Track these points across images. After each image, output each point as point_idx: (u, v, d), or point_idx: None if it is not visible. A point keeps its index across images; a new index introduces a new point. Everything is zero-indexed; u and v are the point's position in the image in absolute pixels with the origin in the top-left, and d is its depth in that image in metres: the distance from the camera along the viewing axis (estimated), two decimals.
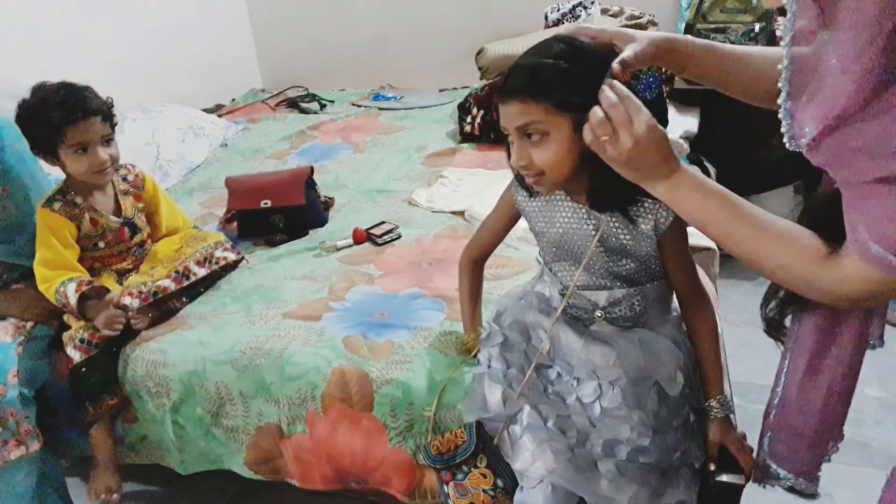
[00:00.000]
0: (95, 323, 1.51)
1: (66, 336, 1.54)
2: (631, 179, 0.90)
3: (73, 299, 1.51)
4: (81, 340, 1.51)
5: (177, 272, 1.63)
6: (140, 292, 1.55)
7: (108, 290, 1.57)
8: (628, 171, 0.89)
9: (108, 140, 1.55)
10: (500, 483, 1.15)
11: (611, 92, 0.87)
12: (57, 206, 1.57)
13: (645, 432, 1.10)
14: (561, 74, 0.95)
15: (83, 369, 1.49)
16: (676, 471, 1.14)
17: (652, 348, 1.15)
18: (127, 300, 1.53)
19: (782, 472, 1.05)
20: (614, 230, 1.09)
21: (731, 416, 1.17)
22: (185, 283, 1.64)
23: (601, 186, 1.04)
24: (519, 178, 1.13)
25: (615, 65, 0.93)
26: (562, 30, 1.02)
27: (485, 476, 1.16)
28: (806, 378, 0.99)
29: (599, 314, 1.16)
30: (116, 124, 1.59)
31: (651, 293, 1.15)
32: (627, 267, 1.12)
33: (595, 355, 1.14)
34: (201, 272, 1.68)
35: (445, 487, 1.19)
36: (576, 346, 1.16)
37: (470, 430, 1.18)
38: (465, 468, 1.17)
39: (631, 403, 1.11)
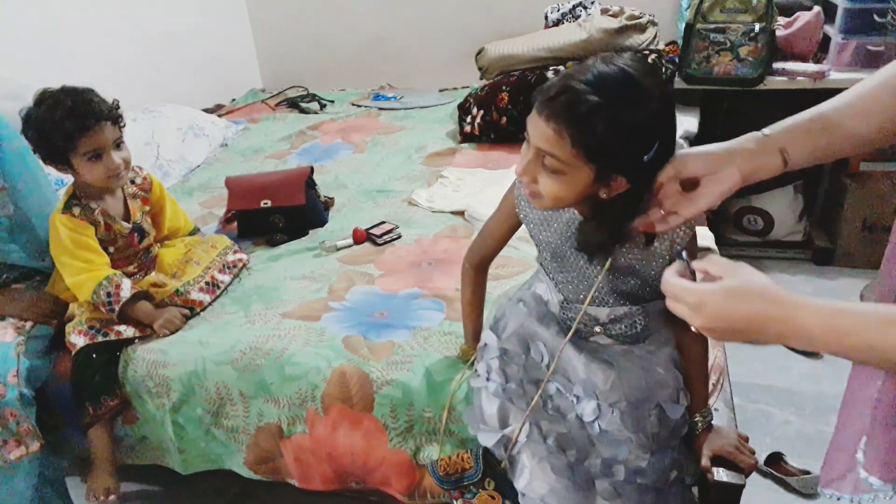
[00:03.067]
0: (154, 324, 1.54)
1: (69, 326, 1.54)
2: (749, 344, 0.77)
3: (126, 292, 1.52)
4: (91, 327, 1.51)
5: (207, 283, 1.67)
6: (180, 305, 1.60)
7: (148, 296, 1.59)
8: (735, 342, 0.76)
9: (119, 143, 1.55)
10: None
11: (668, 287, 0.78)
12: (77, 211, 1.56)
13: (643, 455, 1.09)
14: (609, 128, 0.85)
15: (87, 370, 1.49)
16: (670, 488, 1.13)
17: (653, 371, 1.13)
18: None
19: (876, 483, 0.91)
20: (624, 250, 1.04)
21: (713, 423, 1.18)
22: (218, 293, 1.69)
23: (587, 231, 1.01)
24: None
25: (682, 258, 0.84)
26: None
27: (493, 498, 1.16)
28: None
29: (599, 329, 1.14)
30: (124, 126, 1.58)
31: (654, 309, 1.11)
32: (631, 284, 1.08)
33: (596, 376, 1.12)
34: (226, 279, 1.73)
35: None
36: (576, 363, 1.13)
37: (476, 456, 1.18)
38: (473, 489, 1.17)
39: (630, 426, 1.09)
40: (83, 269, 1.53)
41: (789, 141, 0.88)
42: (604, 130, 0.85)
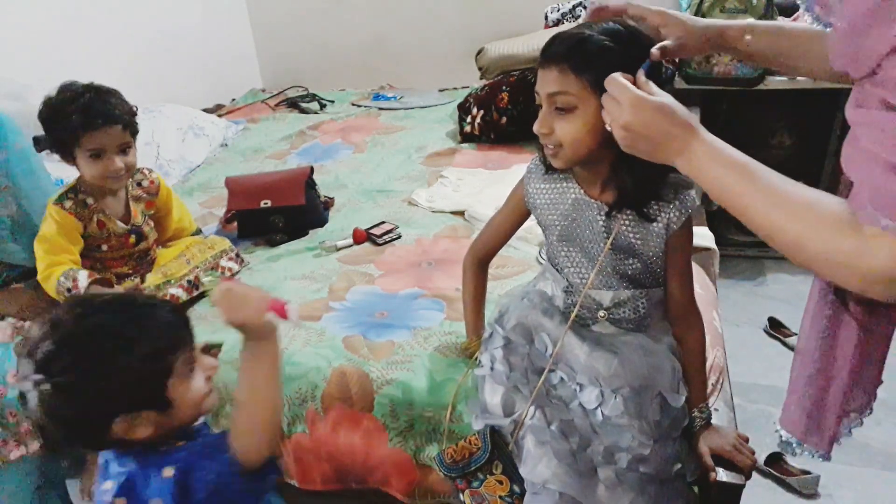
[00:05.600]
0: None
1: None
2: (649, 160, 0.86)
3: (83, 282, 1.49)
4: None
5: (188, 282, 1.65)
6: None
7: (108, 283, 1.57)
8: (638, 152, 0.86)
9: (125, 148, 1.55)
10: (516, 489, 1.14)
11: (607, 83, 0.87)
12: (68, 204, 1.57)
13: (646, 441, 1.09)
14: (605, 53, 0.94)
15: None
16: (673, 482, 1.14)
17: (654, 358, 1.14)
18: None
19: (786, 435, 0.98)
20: (624, 228, 1.08)
21: (713, 423, 1.19)
22: (195, 293, 1.66)
23: (625, 182, 1.03)
24: (539, 148, 1.12)
25: (654, 50, 0.94)
26: (611, 3, 1.01)
27: (501, 483, 1.15)
28: (822, 346, 0.90)
29: (603, 314, 1.15)
30: (137, 132, 1.58)
31: (655, 297, 1.15)
32: (633, 267, 1.11)
33: (598, 362, 1.13)
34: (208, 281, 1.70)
35: (461, 496, 1.18)
36: (579, 352, 1.15)
37: (484, 436, 1.17)
38: (480, 475, 1.16)
39: (632, 412, 1.10)
40: (50, 264, 1.53)
41: (762, 36, 0.98)
42: (600, 52, 0.94)
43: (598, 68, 0.93)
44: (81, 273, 1.52)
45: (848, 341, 0.85)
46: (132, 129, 1.55)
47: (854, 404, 0.90)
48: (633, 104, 0.83)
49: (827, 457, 0.94)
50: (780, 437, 0.96)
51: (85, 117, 1.47)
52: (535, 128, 1.02)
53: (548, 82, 0.98)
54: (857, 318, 0.83)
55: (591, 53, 0.94)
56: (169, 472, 0.85)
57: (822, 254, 0.69)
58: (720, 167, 0.78)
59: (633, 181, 1.02)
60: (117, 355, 0.82)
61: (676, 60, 2.55)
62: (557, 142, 1.01)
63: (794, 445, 0.95)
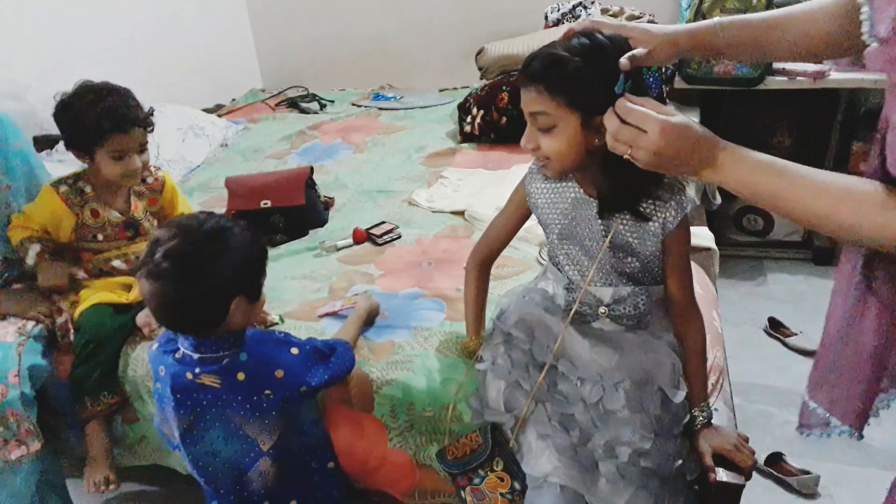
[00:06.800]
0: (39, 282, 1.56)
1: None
2: (675, 174, 0.88)
3: (31, 259, 1.55)
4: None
5: None
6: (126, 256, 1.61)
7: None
8: (666, 170, 0.88)
9: (142, 148, 1.58)
10: (517, 486, 1.15)
11: (614, 116, 0.87)
12: (63, 189, 1.59)
13: (647, 435, 1.10)
14: (578, 72, 0.96)
15: (87, 365, 1.49)
16: (675, 480, 1.14)
17: (655, 354, 1.15)
18: (116, 263, 1.57)
19: (833, 420, 1.01)
20: (622, 228, 1.10)
21: (713, 423, 1.19)
22: None
23: (609, 187, 1.06)
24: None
25: (623, 60, 0.95)
26: (577, 26, 1.03)
27: (502, 479, 1.16)
28: (848, 319, 0.92)
29: (603, 311, 1.17)
30: (153, 132, 1.61)
31: (655, 295, 1.16)
32: (632, 265, 1.12)
33: (599, 357, 1.14)
34: None
35: (462, 493, 1.19)
36: (580, 347, 1.16)
37: (485, 433, 1.18)
38: (481, 472, 1.17)
39: (634, 406, 1.11)
40: (16, 225, 1.59)
41: (730, 32, 1.01)
42: (573, 72, 0.97)
43: (573, 87, 0.97)
44: (34, 247, 1.57)
45: (871, 320, 0.88)
46: (150, 130, 1.59)
47: (882, 383, 0.94)
48: (662, 130, 0.84)
49: (859, 434, 0.99)
50: (809, 406, 0.98)
51: (114, 121, 1.49)
52: (522, 144, 1.06)
53: (528, 102, 1.02)
54: (881, 299, 0.86)
55: (564, 74, 0.97)
56: (295, 350, 1.23)
57: (874, 233, 0.74)
58: (748, 170, 0.81)
59: (621, 184, 1.04)
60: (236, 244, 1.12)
61: (676, 60, 2.55)
62: (544, 155, 1.04)
63: (822, 416, 0.98)
